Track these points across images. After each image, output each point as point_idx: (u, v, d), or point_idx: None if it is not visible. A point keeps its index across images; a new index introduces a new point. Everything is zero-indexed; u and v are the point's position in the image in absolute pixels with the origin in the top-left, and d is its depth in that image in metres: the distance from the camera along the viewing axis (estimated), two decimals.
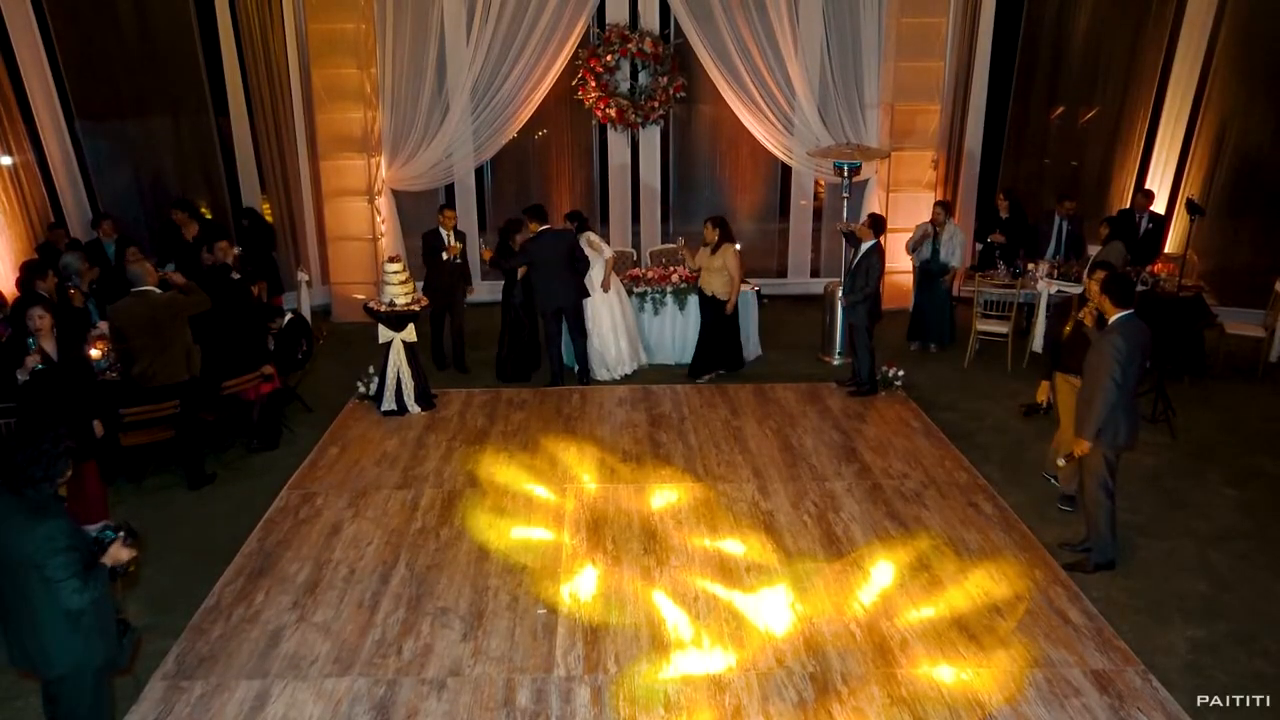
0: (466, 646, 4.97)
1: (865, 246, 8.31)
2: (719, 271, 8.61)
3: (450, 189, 11.37)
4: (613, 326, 8.94)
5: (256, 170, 10.98)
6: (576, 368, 8.91)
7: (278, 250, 10.49)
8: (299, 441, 7.64)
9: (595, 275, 8.79)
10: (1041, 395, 6.56)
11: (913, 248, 9.82)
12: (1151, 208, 10.07)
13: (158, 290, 6.68)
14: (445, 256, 8.89)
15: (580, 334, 8.81)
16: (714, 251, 8.61)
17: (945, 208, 9.85)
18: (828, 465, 7.10)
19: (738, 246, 8.71)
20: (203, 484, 6.88)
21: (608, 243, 9.37)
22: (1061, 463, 5.90)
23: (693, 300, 9.17)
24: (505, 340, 9.02)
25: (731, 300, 8.65)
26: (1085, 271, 9.01)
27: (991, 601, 5.34)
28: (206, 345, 6.95)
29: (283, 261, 10.69)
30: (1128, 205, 10.28)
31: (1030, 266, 9.47)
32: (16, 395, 5.81)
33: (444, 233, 8.95)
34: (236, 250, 8.32)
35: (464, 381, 9.00)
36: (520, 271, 8.76)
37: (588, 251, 8.72)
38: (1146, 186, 10.59)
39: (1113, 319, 5.40)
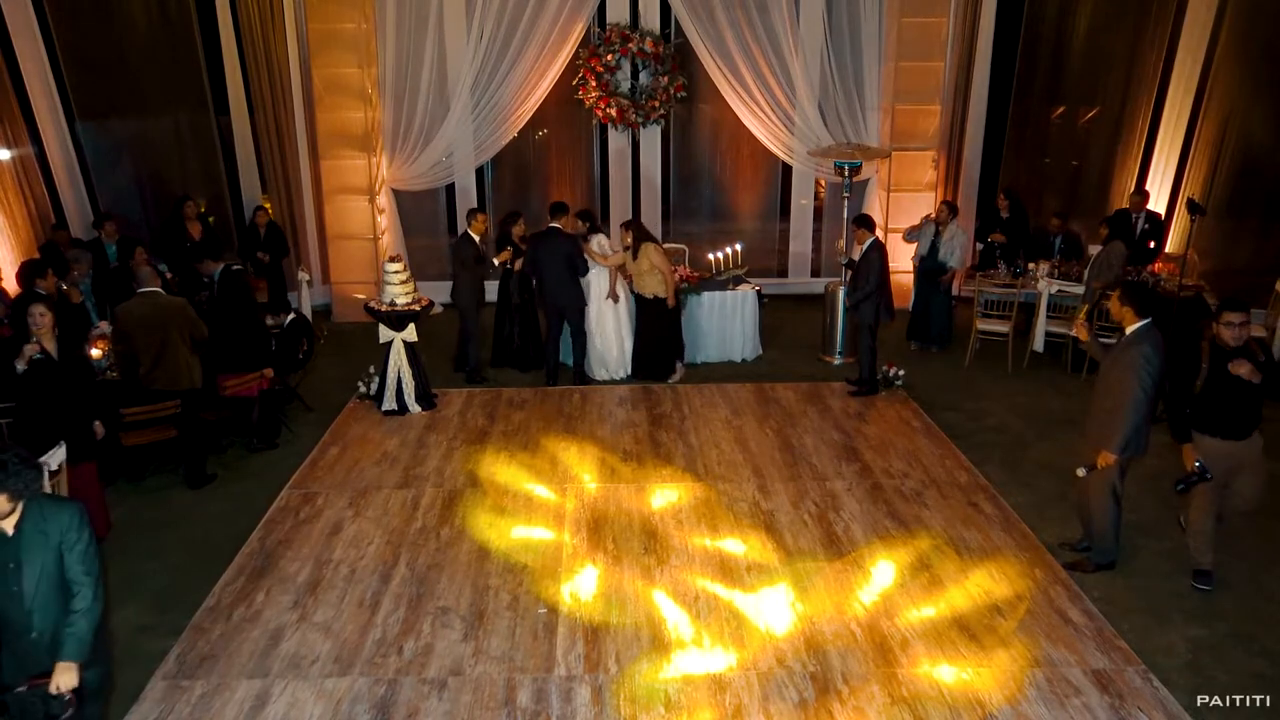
0: (467, 646, 4.97)
1: (864, 245, 8.32)
2: (649, 273, 8.58)
3: (451, 189, 11.38)
4: (617, 328, 8.93)
5: (257, 169, 10.98)
6: (573, 365, 8.90)
7: (288, 256, 10.47)
8: (299, 441, 7.64)
9: (600, 280, 8.78)
10: (1191, 459, 5.32)
11: (910, 236, 9.82)
12: (1148, 206, 10.06)
13: (163, 293, 6.71)
14: (497, 264, 8.77)
15: (580, 334, 8.81)
16: (635, 256, 8.55)
17: (951, 208, 9.84)
18: (828, 465, 7.10)
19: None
20: (203, 483, 6.88)
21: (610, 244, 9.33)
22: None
23: (693, 301, 9.18)
24: (505, 332, 9.08)
25: (670, 295, 8.62)
26: (1086, 271, 9.04)
27: (992, 601, 5.34)
28: (209, 345, 6.97)
29: (286, 261, 10.67)
30: (1128, 203, 10.27)
31: (1031, 266, 9.47)
32: (15, 389, 5.79)
33: (476, 238, 8.85)
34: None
35: (464, 380, 8.99)
36: (516, 266, 8.86)
37: (593, 255, 8.72)
38: (1146, 187, 10.58)
39: (1133, 328, 5.33)
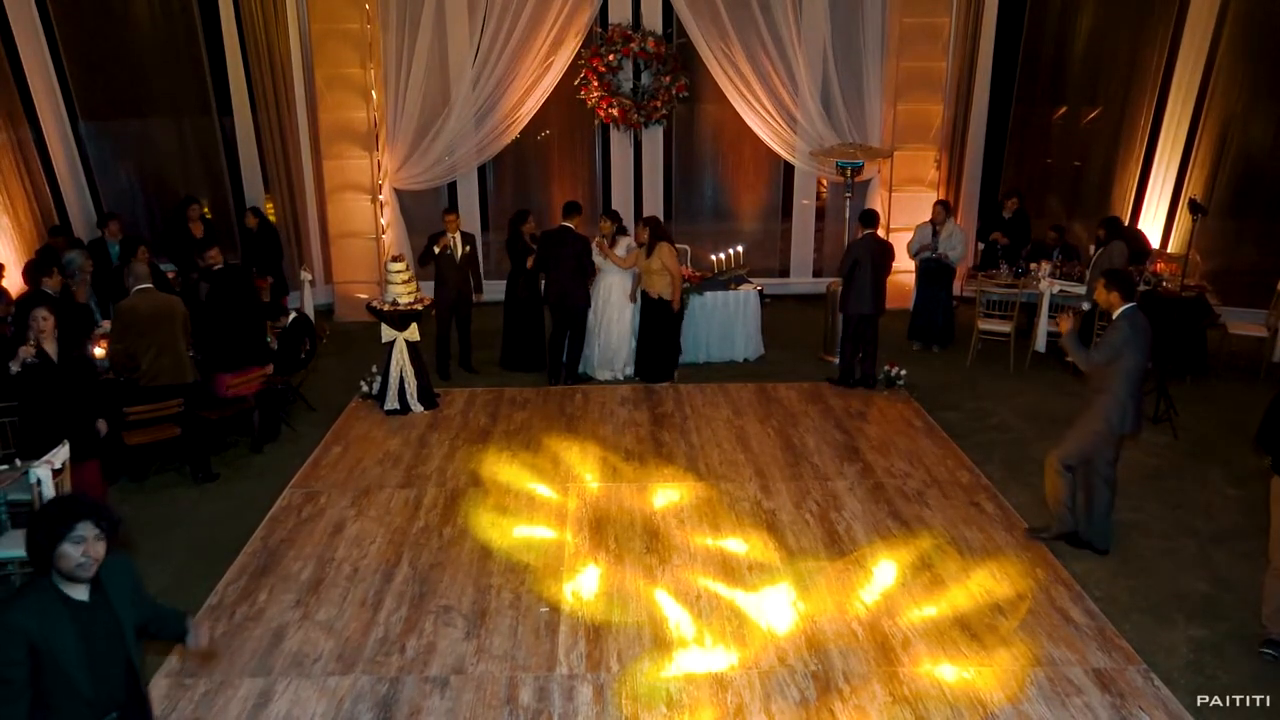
0: (469, 645, 4.98)
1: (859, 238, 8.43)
2: (659, 273, 8.54)
3: (452, 188, 11.39)
4: (626, 330, 8.91)
5: (260, 168, 11.00)
6: (567, 364, 8.91)
7: (284, 254, 10.47)
8: (302, 440, 7.65)
9: (620, 281, 8.78)
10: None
11: (915, 252, 9.83)
12: (1138, 223, 10.08)
13: (156, 290, 6.73)
14: (436, 250, 8.81)
15: (579, 336, 8.82)
16: (649, 254, 8.51)
17: (945, 207, 9.85)
18: (830, 464, 7.11)
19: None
20: (208, 480, 6.89)
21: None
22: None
23: (695, 300, 9.18)
24: (509, 331, 9.15)
25: (675, 299, 8.60)
26: (1088, 272, 9.04)
27: (993, 600, 5.35)
28: (207, 341, 6.97)
29: (286, 261, 10.69)
30: (1130, 204, 10.26)
31: (1033, 267, 9.47)
32: (14, 389, 5.78)
33: (449, 236, 8.88)
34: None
35: (467, 380, 9.01)
36: (528, 262, 8.89)
37: (600, 258, 8.72)
38: (1146, 190, 10.62)
39: (1118, 312, 5.52)
